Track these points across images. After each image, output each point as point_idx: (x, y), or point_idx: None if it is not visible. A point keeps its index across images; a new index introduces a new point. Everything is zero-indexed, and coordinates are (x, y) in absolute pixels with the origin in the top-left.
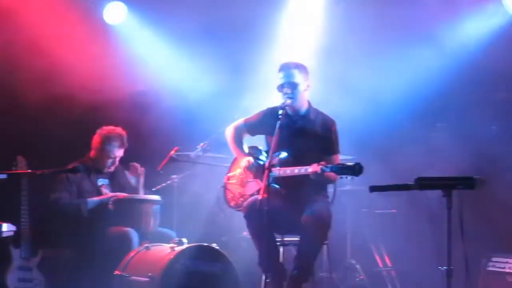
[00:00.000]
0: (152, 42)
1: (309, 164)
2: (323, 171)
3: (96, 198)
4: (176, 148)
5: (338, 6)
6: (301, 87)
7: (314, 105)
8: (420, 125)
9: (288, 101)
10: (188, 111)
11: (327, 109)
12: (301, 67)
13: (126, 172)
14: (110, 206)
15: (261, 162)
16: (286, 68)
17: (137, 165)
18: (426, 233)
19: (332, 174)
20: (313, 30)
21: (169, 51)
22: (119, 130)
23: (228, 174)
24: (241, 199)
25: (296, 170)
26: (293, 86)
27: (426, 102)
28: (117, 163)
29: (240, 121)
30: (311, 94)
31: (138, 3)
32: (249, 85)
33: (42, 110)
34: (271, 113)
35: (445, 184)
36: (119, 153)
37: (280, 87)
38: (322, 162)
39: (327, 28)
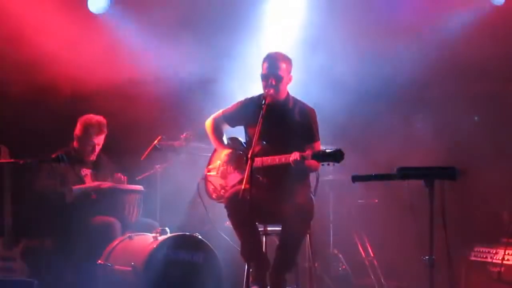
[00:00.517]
0: (135, 30)
1: (289, 152)
2: (303, 158)
3: (81, 186)
4: (159, 137)
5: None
6: (285, 80)
7: (294, 95)
8: (400, 116)
9: (271, 91)
10: (171, 100)
11: (307, 100)
12: (287, 60)
13: (110, 163)
14: (93, 196)
15: (241, 153)
16: (272, 59)
17: (120, 175)
18: (408, 223)
19: (313, 162)
20: (296, 20)
21: (152, 40)
22: (98, 117)
23: (209, 166)
24: (223, 191)
25: (277, 160)
26: (278, 78)
27: (406, 92)
28: (97, 150)
29: (219, 112)
30: (292, 85)
31: None
32: (233, 73)
33: (25, 99)
34: (250, 103)
35: (427, 174)
36: (98, 140)
37: (265, 77)
38: (306, 151)
39: (309, 19)
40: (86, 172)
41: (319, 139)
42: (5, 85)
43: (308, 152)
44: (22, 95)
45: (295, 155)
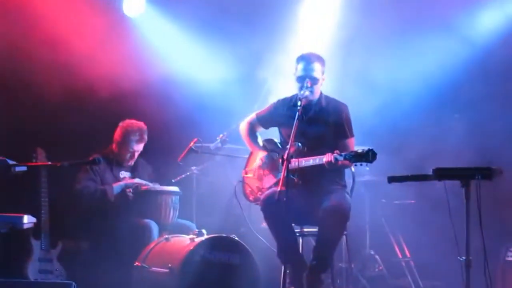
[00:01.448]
0: (170, 33)
1: (325, 152)
2: (336, 160)
3: (120, 183)
4: (195, 139)
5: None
6: (320, 81)
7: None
8: (435, 116)
9: (307, 93)
10: (207, 101)
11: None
12: (321, 61)
13: (148, 167)
14: (130, 197)
15: (276, 155)
16: (308, 61)
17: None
18: (445, 223)
19: (346, 162)
20: (331, 21)
21: (187, 41)
22: (139, 124)
23: (246, 168)
24: (259, 193)
25: (311, 161)
26: (315, 80)
27: (440, 92)
28: (135, 157)
29: (252, 115)
30: (325, 86)
31: None
32: (268, 74)
33: (62, 102)
34: (283, 104)
35: (463, 175)
36: (137, 147)
37: (301, 79)
38: (336, 151)
39: (344, 19)
40: (124, 174)
41: (353, 135)
42: (42, 88)
43: (342, 153)
44: (59, 97)
45: (328, 157)
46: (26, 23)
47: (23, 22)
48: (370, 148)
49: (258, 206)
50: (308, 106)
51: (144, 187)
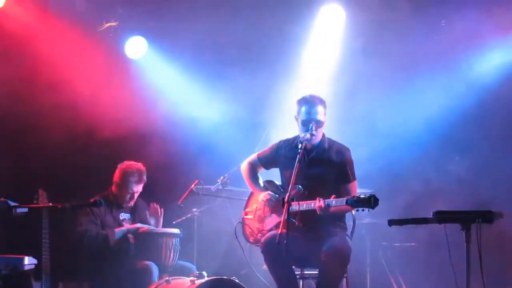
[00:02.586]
0: (173, 75)
1: (326, 195)
2: (328, 205)
3: (122, 228)
4: (196, 181)
5: (357, 40)
6: (324, 124)
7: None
8: (439, 157)
9: (308, 136)
10: (207, 142)
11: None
12: (324, 103)
13: (147, 210)
14: (131, 239)
15: (277, 196)
16: (311, 104)
17: (157, 205)
18: (445, 266)
19: (343, 208)
20: (332, 65)
21: (189, 84)
22: (138, 165)
23: (246, 209)
24: (260, 234)
25: (305, 205)
26: (320, 124)
27: (444, 134)
28: (135, 198)
29: (253, 156)
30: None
31: (158, 37)
32: (269, 117)
33: (64, 144)
34: (285, 145)
35: (464, 218)
36: (137, 188)
37: (305, 123)
38: (333, 196)
39: (345, 63)
40: (124, 216)
41: (354, 179)
42: (44, 130)
43: (333, 198)
44: (60, 139)
45: (319, 202)
46: (29, 67)
47: (26, 65)
48: (372, 193)
49: (259, 248)
50: (310, 148)
51: (144, 229)
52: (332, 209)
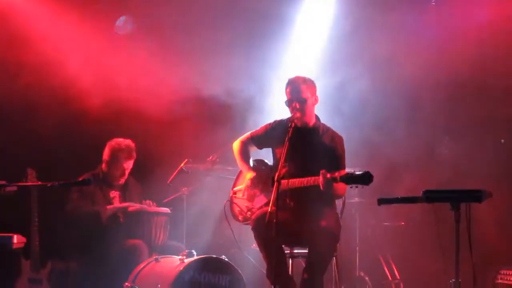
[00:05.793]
0: (162, 52)
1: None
2: (333, 180)
3: (113, 206)
4: (185, 160)
5: (346, 21)
6: (310, 102)
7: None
8: (428, 138)
9: (298, 114)
10: (198, 121)
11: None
12: (308, 81)
13: (138, 186)
14: (120, 218)
15: (267, 175)
16: (293, 84)
17: (149, 202)
18: (435, 245)
19: (340, 187)
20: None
21: (176, 61)
22: (127, 142)
23: (234, 189)
24: (249, 213)
25: (305, 182)
26: (302, 101)
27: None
28: (126, 175)
29: (247, 135)
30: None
31: (145, 16)
32: (257, 98)
33: (52, 122)
34: (279, 125)
35: (453, 197)
36: (127, 165)
37: (289, 102)
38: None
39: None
40: (114, 194)
41: (344, 167)
42: (32, 109)
43: (337, 173)
44: (49, 118)
45: (324, 176)
46: (17, 46)
47: (14, 45)
48: (367, 170)
49: (248, 227)
50: (304, 131)
51: (134, 208)
52: (334, 185)
